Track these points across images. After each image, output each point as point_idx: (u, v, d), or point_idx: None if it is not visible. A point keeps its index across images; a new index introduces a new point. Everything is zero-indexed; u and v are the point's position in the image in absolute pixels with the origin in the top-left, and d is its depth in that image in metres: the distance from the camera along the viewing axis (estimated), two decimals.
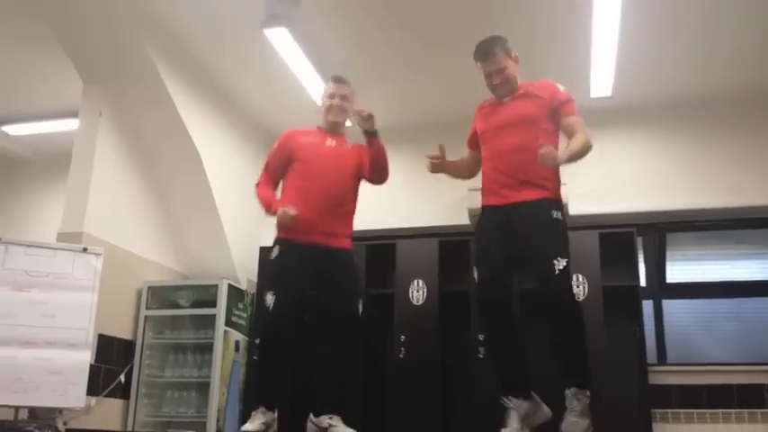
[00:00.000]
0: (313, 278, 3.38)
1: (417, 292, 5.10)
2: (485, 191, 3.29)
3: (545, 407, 3.09)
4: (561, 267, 2.96)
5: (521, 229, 3.07)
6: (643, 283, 5.20)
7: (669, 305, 5.38)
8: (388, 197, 5.95)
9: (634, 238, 5.02)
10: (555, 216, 3.09)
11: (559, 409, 2.99)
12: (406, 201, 5.77)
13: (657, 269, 5.45)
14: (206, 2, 4.57)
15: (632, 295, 4.87)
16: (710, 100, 5.45)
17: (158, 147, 5.25)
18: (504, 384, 3.08)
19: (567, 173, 5.38)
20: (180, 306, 5.27)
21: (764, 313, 5.33)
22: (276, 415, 3.36)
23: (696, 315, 5.50)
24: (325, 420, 3.26)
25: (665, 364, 5.09)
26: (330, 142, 3.58)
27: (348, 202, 3.55)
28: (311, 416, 3.33)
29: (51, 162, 6.50)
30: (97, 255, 4.36)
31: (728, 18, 4.56)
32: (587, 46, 4.73)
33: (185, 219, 5.53)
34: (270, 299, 3.33)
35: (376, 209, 5.89)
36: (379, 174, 3.53)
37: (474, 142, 3.44)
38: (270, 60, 5.00)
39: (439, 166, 3.38)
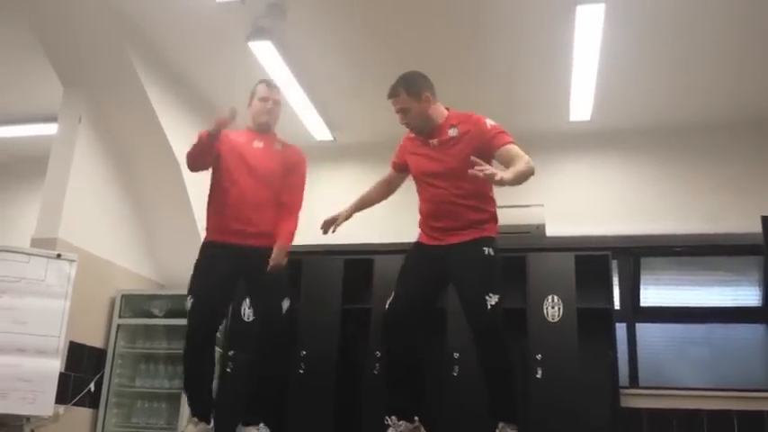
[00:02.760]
0: (234, 278, 3.41)
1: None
2: (421, 231, 3.35)
3: None
4: (493, 303, 2.99)
5: (453, 269, 3.14)
6: (617, 305, 5.25)
7: (642, 329, 5.43)
8: (367, 212, 5.95)
9: (609, 261, 5.06)
10: (486, 252, 3.09)
11: None
12: (385, 216, 5.75)
13: (632, 293, 5.50)
14: (191, 11, 4.56)
15: (606, 318, 4.90)
16: (688, 128, 5.54)
17: (137, 155, 5.23)
18: (390, 405, 3.22)
19: (546, 194, 5.44)
20: (153, 315, 5.21)
21: (735, 340, 5.39)
22: (211, 426, 3.34)
23: (669, 339, 5.55)
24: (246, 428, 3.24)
25: (637, 387, 5.13)
26: (257, 144, 3.55)
27: (271, 205, 3.48)
28: (239, 426, 3.29)
29: (28, 166, 6.42)
30: (71, 261, 4.30)
31: (706, 50, 4.66)
32: (568, 70, 4.80)
33: (162, 228, 5.49)
34: (188, 304, 3.37)
35: (354, 223, 5.89)
36: None
37: (400, 166, 3.50)
38: (253, 73, 4.99)
39: (332, 224, 3.52)
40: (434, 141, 3.25)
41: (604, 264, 5.02)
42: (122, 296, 5.17)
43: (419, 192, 3.36)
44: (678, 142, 5.57)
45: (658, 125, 5.58)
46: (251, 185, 3.43)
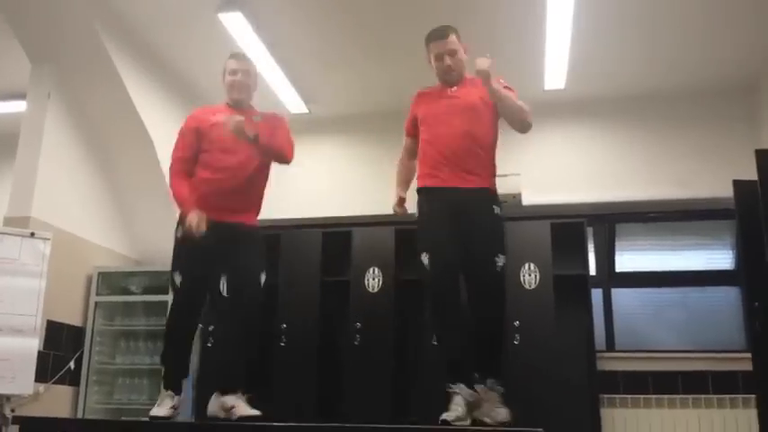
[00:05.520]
0: (218, 255, 3.36)
1: (373, 280, 5.12)
2: (423, 174, 3.32)
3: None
4: (501, 264, 3.14)
5: (464, 220, 3.17)
6: (593, 272, 5.31)
7: (618, 294, 5.51)
8: (344, 185, 5.98)
9: (584, 229, 5.11)
10: (496, 212, 3.23)
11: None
12: (363, 188, 5.78)
13: (607, 258, 5.57)
14: None
15: (582, 284, 4.96)
16: (660, 95, 5.59)
17: (109, 130, 5.16)
18: (453, 371, 3.05)
19: (521, 163, 5.45)
20: (131, 292, 5.21)
21: (710, 302, 5.49)
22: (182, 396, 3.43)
23: (644, 303, 5.63)
24: (229, 400, 3.19)
25: (614, 351, 5.21)
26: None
27: (256, 181, 3.52)
28: (215, 394, 3.29)
29: None
30: (45, 240, 4.27)
31: (678, 17, 4.68)
32: (542, 39, 4.79)
33: (137, 204, 5.44)
34: (177, 279, 3.38)
35: (332, 196, 5.91)
36: (280, 162, 3.56)
37: (413, 128, 3.51)
38: (224, 45, 4.93)
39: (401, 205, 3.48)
40: (453, 88, 3.40)
41: (580, 231, 5.07)
42: (99, 273, 5.13)
43: (427, 136, 3.36)
44: (650, 109, 5.62)
45: (631, 93, 5.61)
46: (232, 164, 3.40)
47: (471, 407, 2.98)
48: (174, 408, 3.32)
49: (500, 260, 3.14)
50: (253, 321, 3.38)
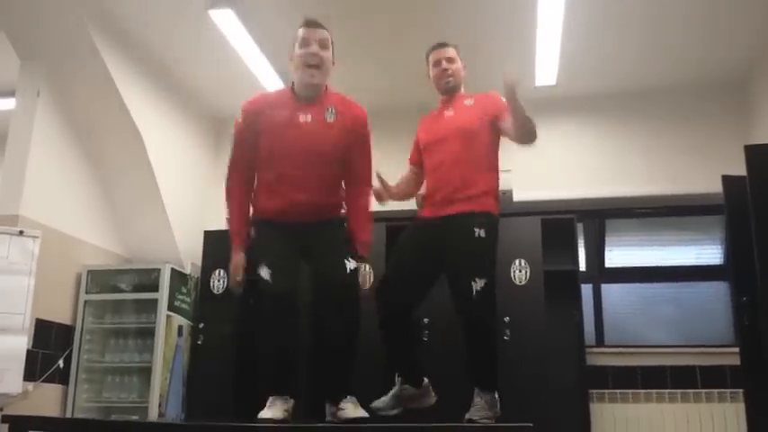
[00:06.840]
0: (300, 253, 2.99)
1: (365, 276, 5.11)
2: (426, 204, 3.33)
3: (432, 395, 3.28)
4: (479, 288, 2.97)
5: (447, 246, 3.12)
6: (583, 267, 5.34)
7: (608, 289, 5.54)
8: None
9: (575, 224, 5.14)
10: (477, 234, 3.04)
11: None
12: None
13: (597, 254, 5.60)
14: None
15: (572, 279, 4.99)
16: (650, 91, 5.61)
17: (99, 128, 5.12)
18: (398, 371, 3.30)
19: (512, 159, 5.44)
20: (121, 290, 5.18)
21: (700, 297, 5.52)
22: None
23: (634, 299, 5.66)
24: (335, 405, 2.94)
25: (603, 346, 5.25)
26: (304, 117, 2.96)
27: (330, 188, 3.07)
28: (327, 404, 3.04)
29: None
30: (34, 238, 4.24)
31: (668, 14, 4.69)
32: (533, 34, 4.80)
33: (127, 202, 5.42)
34: (265, 272, 2.84)
35: None
36: None
37: (416, 157, 3.49)
38: (215, 42, 4.93)
39: (384, 194, 3.44)
40: (450, 111, 3.34)
41: (570, 227, 5.10)
42: (89, 272, 5.11)
43: (426, 166, 3.37)
44: (640, 106, 5.64)
45: (622, 89, 5.63)
46: (301, 168, 2.94)
47: (405, 400, 3.25)
48: (288, 412, 2.87)
49: (477, 284, 2.96)
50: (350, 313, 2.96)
